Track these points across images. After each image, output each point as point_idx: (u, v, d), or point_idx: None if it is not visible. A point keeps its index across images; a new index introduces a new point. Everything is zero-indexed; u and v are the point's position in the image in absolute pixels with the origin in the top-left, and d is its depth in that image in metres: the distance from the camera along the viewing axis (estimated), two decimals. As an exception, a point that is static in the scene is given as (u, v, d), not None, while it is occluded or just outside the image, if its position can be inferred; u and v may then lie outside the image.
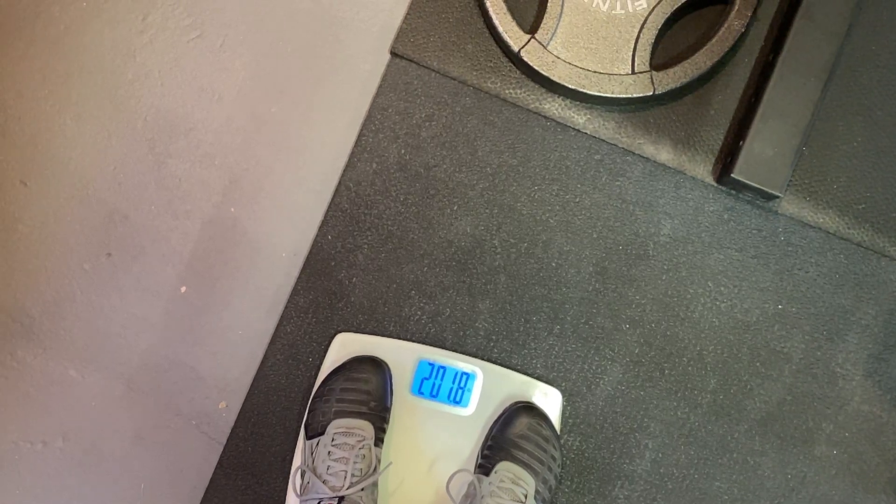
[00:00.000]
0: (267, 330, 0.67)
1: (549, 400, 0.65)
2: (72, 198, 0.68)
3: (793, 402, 0.66)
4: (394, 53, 0.67)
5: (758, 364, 0.66)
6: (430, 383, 0.65)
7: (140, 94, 0.68)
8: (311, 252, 0.67)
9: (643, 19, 0.64)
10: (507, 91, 0.67)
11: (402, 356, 0.65)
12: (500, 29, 0.64)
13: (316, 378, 0.65)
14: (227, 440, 0.66)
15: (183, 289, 0.67)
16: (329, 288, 0.67)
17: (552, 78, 0.64)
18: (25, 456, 0.67)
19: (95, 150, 0.68)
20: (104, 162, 0.68)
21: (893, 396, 0.66)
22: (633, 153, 0.67)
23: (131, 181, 0.68)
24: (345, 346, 0.65)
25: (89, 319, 0.67)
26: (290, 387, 0.66)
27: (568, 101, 0.66)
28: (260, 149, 0.68)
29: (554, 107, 0.67)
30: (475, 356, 0.66)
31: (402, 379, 0.65)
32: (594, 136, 0.67)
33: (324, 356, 0.66)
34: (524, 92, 0.67)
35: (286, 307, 0.67)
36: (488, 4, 0.64)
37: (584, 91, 0.64)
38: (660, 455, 0.66)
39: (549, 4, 0.64)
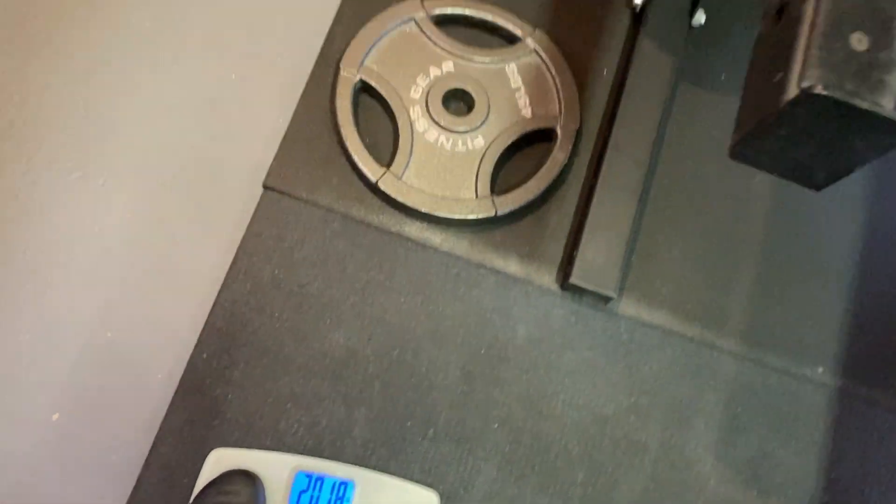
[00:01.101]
0: (141, 453, 0.66)
1: (427, 503, 0.66)
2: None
3: (656, 490, 0.70)
4: (266, 187, 0.74)
5: (619, 454, 0.70)
6: (308, 495, 0.65)
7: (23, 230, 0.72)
8: (185, 372, 0.68)
9: (481, 154, 0.75)
10: (370, 217, 0.74)
11: (278, 468, 0.65)
12: (360, 164, 0.73)
13: (191, 500, 0.64)
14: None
15: (55, 416, 0.67)
16: (204, 405, 0.68)
17: (407, 203, 0.72)
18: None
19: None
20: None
21: (744, 476, 0.71)
22: (486, 266, 0.74)
23: (8, 309, 0.69)
24: (219, 462, 0.65)
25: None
26: (161, 511, 0.64)
27: (424, 224, 0.74)
28: (138, 276, 0.71)
29: (413, 229, 0.74)
30: (354, 464, 0.67)
31: (278, 492, 0.64)
32: (450, 254, 0.74)
33: (198, 477, 0.65)
34: (385, 217, 0.74)
35: (160, 428, 0.67)
36: (348, 144, 0.73)
37: (436, 214, 0.72)
38: (538, 552, 0.67)
39: (400, 143, 0.74)
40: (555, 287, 0.74)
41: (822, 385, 0.74)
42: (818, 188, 0.51)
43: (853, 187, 0.81)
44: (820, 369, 0.74)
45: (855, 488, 0.71)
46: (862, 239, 0.79)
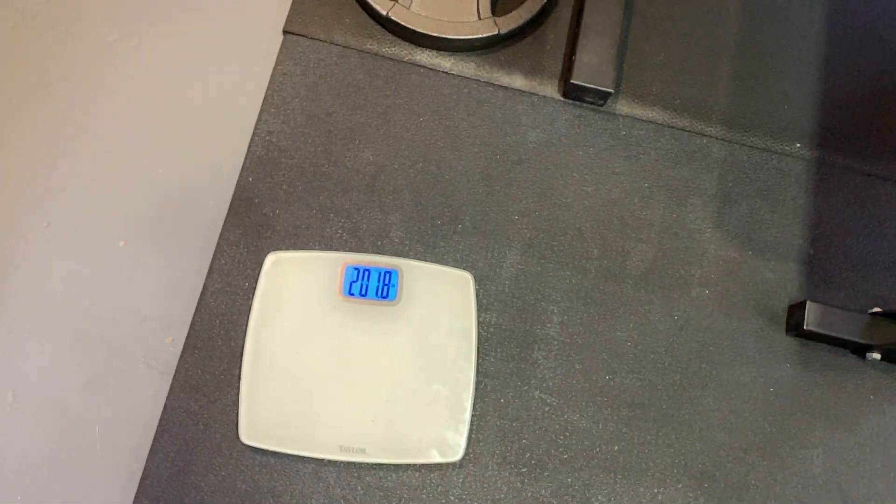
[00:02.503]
0: (202, 265, 0.74)
1: (463, 282, 0.74)
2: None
3: (663, 258, 0.78)
4: (286, 31, 0.81)
5: (628, 231, 0.79)
6: (359, 284, 0.73)
7: (72, 88, 0.79)
8: (234, 194, 0.76)
9: (480, -19, 0.82)
10: (383, 49, 0.81)
11: (329, 264, 0.73)
12: (370, 0, 0.80)
13: (253, 300, 0.72)
14: (176, 369, 0.70)
15: (122, 243, 0.74)
16: (255, 221, 0.75)
17: (417, 29, 0.79)
18: (-26, 417, 0.68)
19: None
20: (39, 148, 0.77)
21: (739, 241, 0.80)
22: (493, 84, 0.82)
23: (69, 157, 0.76)
24: (276, 264, 0.73)
25: (33, 283, 0.72)
26: (230, 311, 0.72)
27: (434, 52, 0.82)
28: (179, 119, 0.78)
29: (423, 57, 0.82)
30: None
31: (332, 284, 0.73)
32: (460, 76, 0.82)
33: (258, 279, 0.73)
34: (397, 49, 0.82)
35: (217, 244, 0.74)
36: (358, -17, 0.81)
37: (443, 36, 0.80)
38: (565, 317, 0.76)
39: (406, -22, 0.81)
40: (557, 96, 0.82)
41: (800, 158, 0.83)
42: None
43: (815, -12, 0.89)
44: (798, 144, 0.83)
45: (837, 240, 0.80)
46: (826, 27, 0.87)
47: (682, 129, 0.83)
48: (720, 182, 0.81)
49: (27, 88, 0.78)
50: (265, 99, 0.79)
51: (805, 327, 0.74)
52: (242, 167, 0.77)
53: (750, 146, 0.83)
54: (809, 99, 0.85)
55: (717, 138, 0.83)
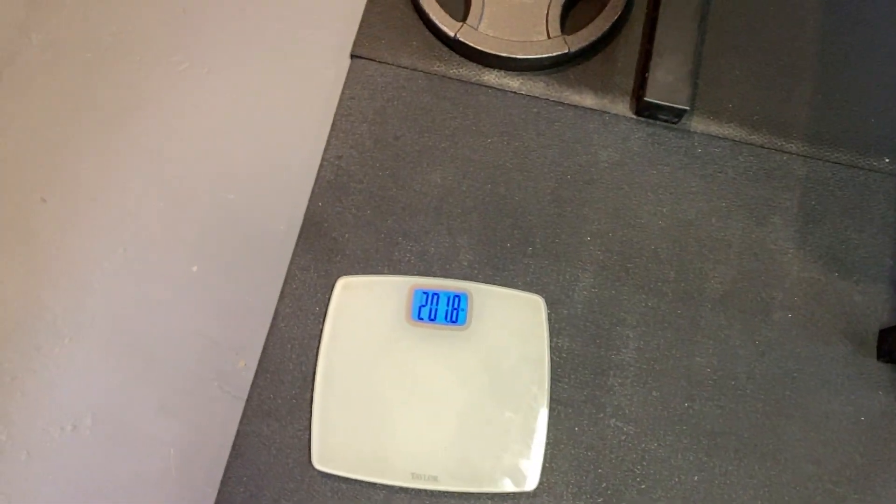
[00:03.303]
0: (273, 290, 0.74)
1: (534, 306, 0.72)
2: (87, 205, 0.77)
3: (743, 280, 0.75)
4: (354, 56, 0.81)
5: (705, 252, 0.76)
6: (427, 308, 0.72)
7: (144, 115, 0.80)
8: (305, 219, 0.76)
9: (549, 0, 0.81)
10: (451, 71, 0.81)
11: (398, 288, 0.73)
12: (437, 22, 0.80)
13: (323, 324, 0.72)
14: (249, 394, 0.71)
15: (194, 268, 0.75)
16: (325, 246, 0.75)
17: (486, 50, 0.79)
18: (56, 441, 0.69)
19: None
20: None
21: (825, 261, 0.76)
22: (563, 103, 0.80)
23: (142, 182, 0.78)
24: (346, 288, 0.73)
25: (108, 307, 0.73)
26: (301, 335, 0.72)
27: (502, 73, 0.81)
28: (248, 145, 0.79)
29: (491, 77, 0.81)
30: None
31: (400, 309, 0.72)
32: (529, 95, 0.80)
33: (328, 303, 0.73)
34: (464, 70, 0.81)
35: (289, 268, 0.74)
36: (423, 5, 0.80)
37: (513, 56, 0.79)
38: (642, 343, 0.73)
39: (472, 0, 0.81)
40: (629, 114, 0.80)
41: (890, 174, 0.79)
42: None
43: (901, -4, 0.85)
44: (886, 160, 0.79)
45: (932, 260, 0.76)
46: (914, 41, 0.83)
47: (761, 146, 0.79)
48: (802, 200, 0.78)
49: (102, 118, 0.80)
50: (333, 124, 0.79)
51: (899, 353, 0.70)
52: (312, 192, 0.77)
53: (834, 162, 0.79)
54: (898, 112, 0.81)
55: (798, 154, 0.79)
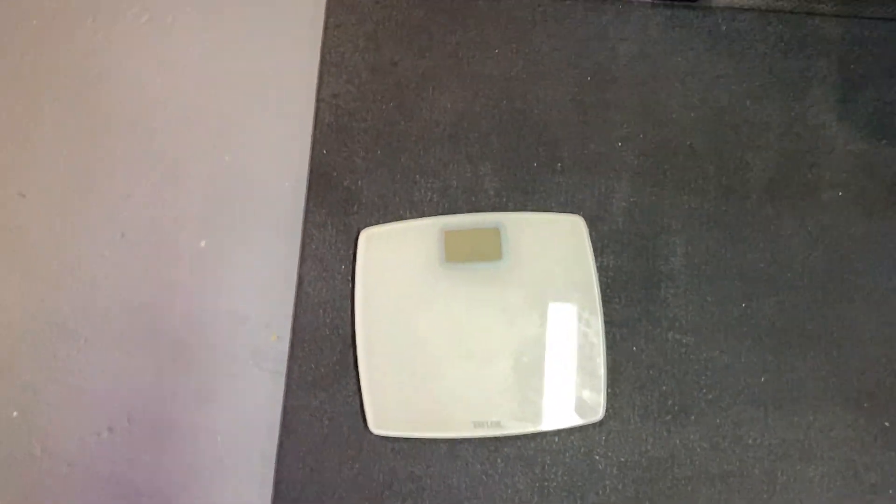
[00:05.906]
0: (292, 253, 0.69)
1: (574, 226, 0.68)
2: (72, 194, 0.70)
3: (787, 163, 0.70)
4: (331, -24, 0.72)
5: (744, 139, 0.71)
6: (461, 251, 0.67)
7: (110, 83, 0.72)
8: (311, 170, 0.70)
9: None
10: (441, -22, 0.72)
11: (426, 232, 0.67)
12: (418, -77, 0.71)
13: (353, 281, 0.67)
14: (288, 367, 0.67)
15: (203, 243, 0.69)
16: (339, 197, 0.69)
17: (477, -52, 0.70)
18: (95, 447, 0.66)
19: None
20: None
21: (870, 129, 0.71)
22: (570, -4, 0.72)
23: (131, 156, 0.70)
24: (370, 240, 0.68)
25: (119, 298, 0.68)
26: (332, 297, 0.68)
27: (498, -29, 0.72)
28: (234, 98, 0.71)
29: (487, -22, 0.72)
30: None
31: (432, 254, 0.67)
32: (531, -7, 0.72)
33: (354, 258, 0.68)
34: (457, -26, 0.73)
35: (304, 227, 0.69)
36: None
37: (509, -49, 0.70)
38: (689, 248, 0.69)
39: None
40: (642, -2, 0.73)
41: (932, 22, 0.72)
42: None
43: None
44: (927, 7, 0.72)
45: (985, 112, 0.71)
46: None
47: (790, 12, 0.72)
48: (840, 66, 0.72)
49: (66, 96, 0.72)
50: (322, 58, 0.71)
51: (961, 219, 0.67)
52: (313, 139, 0.70)
53: (870, 17, 0.72)
54: (934, -49, 0.73)
55: (830, 15, 0.72)
